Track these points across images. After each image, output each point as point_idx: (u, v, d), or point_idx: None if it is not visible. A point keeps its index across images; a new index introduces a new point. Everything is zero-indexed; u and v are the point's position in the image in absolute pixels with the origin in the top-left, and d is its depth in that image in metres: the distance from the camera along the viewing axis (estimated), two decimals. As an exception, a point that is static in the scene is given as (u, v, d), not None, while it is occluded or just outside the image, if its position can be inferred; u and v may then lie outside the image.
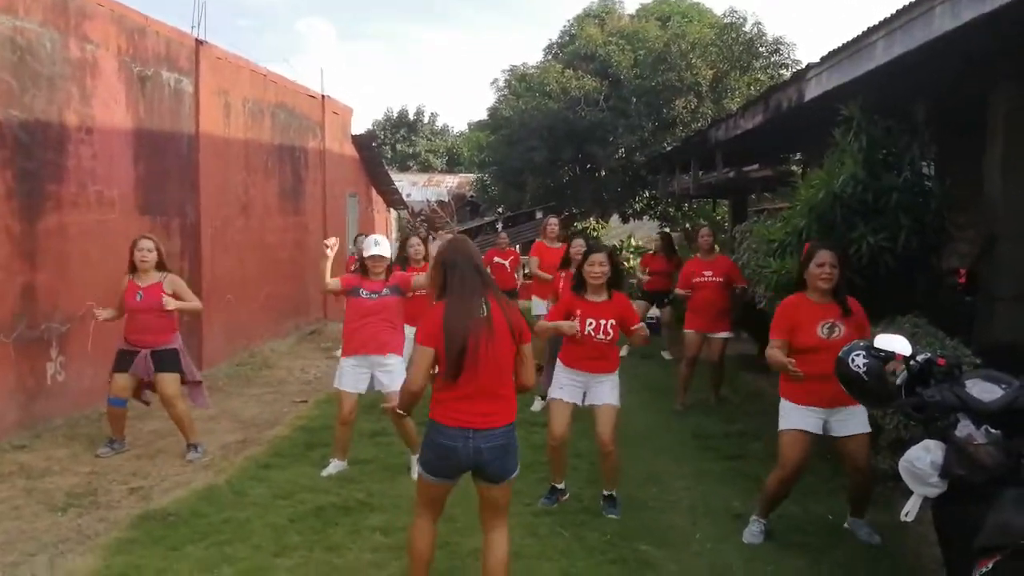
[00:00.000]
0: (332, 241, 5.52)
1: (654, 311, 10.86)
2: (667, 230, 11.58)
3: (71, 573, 3.91)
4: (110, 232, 7.48)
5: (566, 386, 4.83)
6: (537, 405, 7.23)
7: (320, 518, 4.61)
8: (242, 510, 4.73)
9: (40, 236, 6.62)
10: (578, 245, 6.48)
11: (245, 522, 4.54)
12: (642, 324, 4.93)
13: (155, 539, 4.29)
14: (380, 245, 5.40)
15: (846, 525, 4.51)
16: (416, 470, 3.42)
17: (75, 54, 7.04)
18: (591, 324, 4.68)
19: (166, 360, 5.87)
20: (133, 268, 5.91)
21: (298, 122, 12.43)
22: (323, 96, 13.54)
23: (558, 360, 4.94)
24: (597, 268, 4.68)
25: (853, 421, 4.17)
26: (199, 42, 9.17)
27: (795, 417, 4.22)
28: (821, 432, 4.23)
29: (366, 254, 5.39)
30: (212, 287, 9.23)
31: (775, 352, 4.22)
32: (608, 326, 4.68)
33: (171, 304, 5.79)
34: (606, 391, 4.76)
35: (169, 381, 5.86)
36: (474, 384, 3.24)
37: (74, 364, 7.01)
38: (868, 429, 4.22)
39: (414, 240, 7.60)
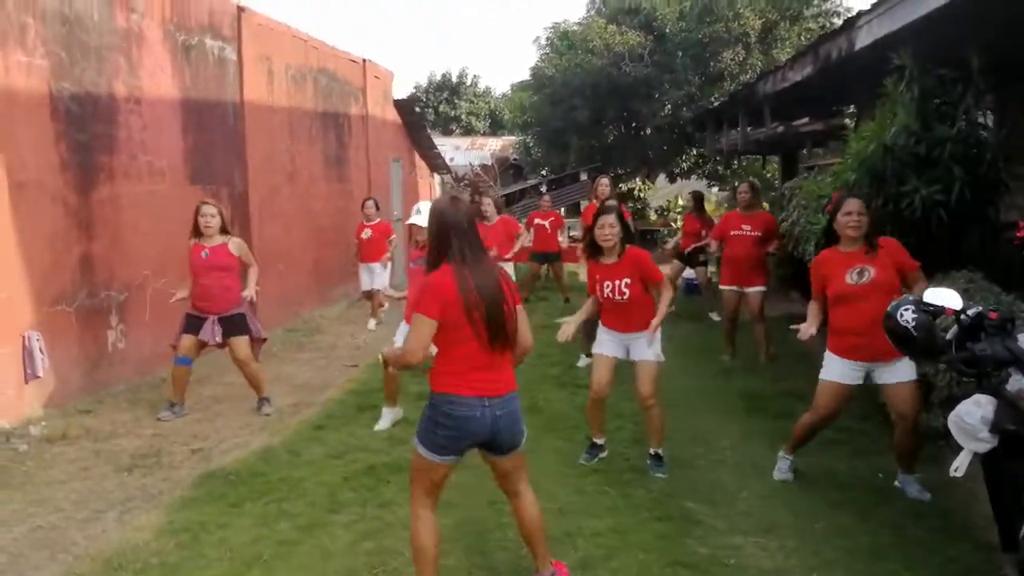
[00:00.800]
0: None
1: (689, 272, 10.77)
2: (699, 190, 11.37)
3: (138, 529, 4.09)
4: (161, 202, 7.67)
5: (606, 341, 4.90)
6: (583, 362, 7.29)
7: (372, 476, 4.74)
8: (297, 469, 4.89)
9: (95, 207, 6.81)
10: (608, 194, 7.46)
11: (300, 480, 4.69)
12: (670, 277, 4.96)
13: (216, 497, 4.47)
14: (420, 213, 5.41)
15: (896, 483, 4.49)
16: (417, 449, 3.20)
17: (121, 24, 7.16)
18: (608, 286, 4.73)
19: (235, 324, 6.12)
20: (198, 233, 6.11)
21: (340, 87, 12.48)
22: (364, 60, 13.55)
23: (600, 322, 4.97)
24: (607, 230, 4.69)
25: (899, 370, 4.20)
26: (240, 9, 9.23)
27: (836, 369, 4.34)
28: (861, 383, 4.33)
29: (411, 221, 5.42)
30: (261, 255, 9.35)
31: (815, 309, 4.46)
32: (622, 285, 4.69)
33: (250, 293, 6.21)
34: (644, 347, 4.78)
35: (241, 344, 6.14)
36: (491, 352, 3.13)
37: (133, 332, 7.25)
38: (915, 377, 4.23)
39: (487, 200, 8.84)
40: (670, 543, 3.85)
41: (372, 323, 10.13)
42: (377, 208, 10.09)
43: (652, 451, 4.90)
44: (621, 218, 4.78)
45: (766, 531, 3.98)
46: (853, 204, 4.30)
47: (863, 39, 6.16)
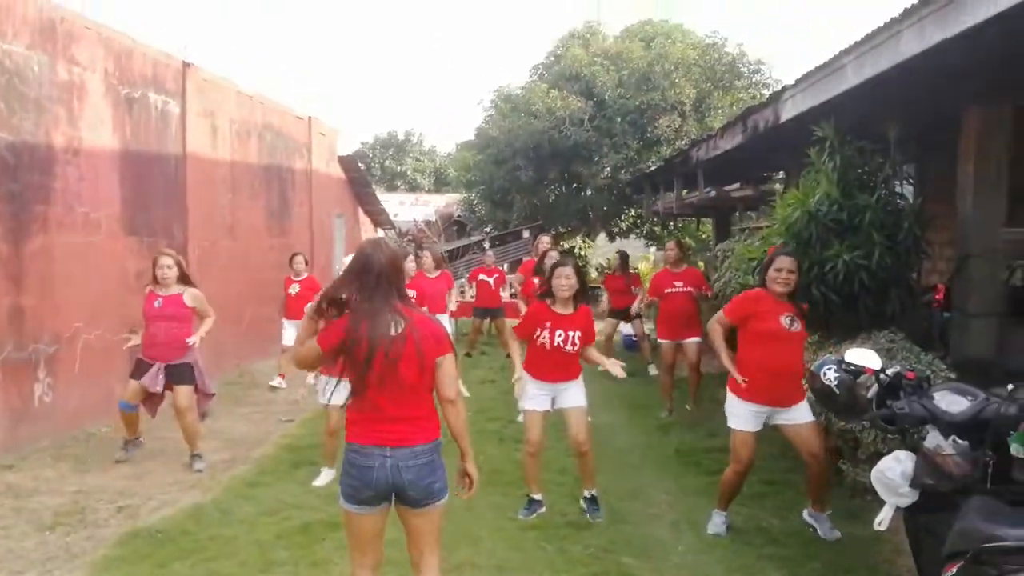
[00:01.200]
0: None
1: (626, 327, 10.98)
2: (624, 250, 11.73)
3: (58, 591, 3.94)
4: (96, 253, 7.55)
5: (536, 396, 5.01)
6: (522, 416, 7.33)
7: (306, 534, 4.66)
8: (229, 527, 4.78)
9: (27, 258, 6.67)
10: (549, 248, 7.51)
11: (232, 539, 4.59)
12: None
13: (142, 556, 4.33)
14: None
15: (805, 515, 4.72)
16: (339, 500, 3.12)
17: (63, 77, 7.13)
18: (560, 335, 4.87)
19: (181, 373, 6.09)
20: (156, 281, 6.10)
21: (285, 143, 12.53)
22: (310, 117, 13.65)
23: (525, 372, 5.05)
24: (564, 281, 4.88)
25: (800, 412, 4.52)
26: (186, 64, 9.27)
27: (744, 417, 4.57)
28: (761, 427, 4.59)
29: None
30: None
31: (717, 329, 4.72)
32: (575, 337, 4.90)
33: (195, 340, 6.12)
34: (573, 394, 4.99)
35: (183, 393, 6.10)
36: (383, 406, 3.01)
37: (62, 385, 7.04)
38: (814, 418, 4.56)
39: (426, 253, 9.25)
40: (605, 599, 3.87)
41: (311, 377, 9.82)
42: (307, 263, 9.51)
43: (588, 494, 5.05)
44: (578, 271, 4.98)
45: (700, 586, 4.03)
46: (785, 261, 4.54)
47: (788, 111, 6.51)
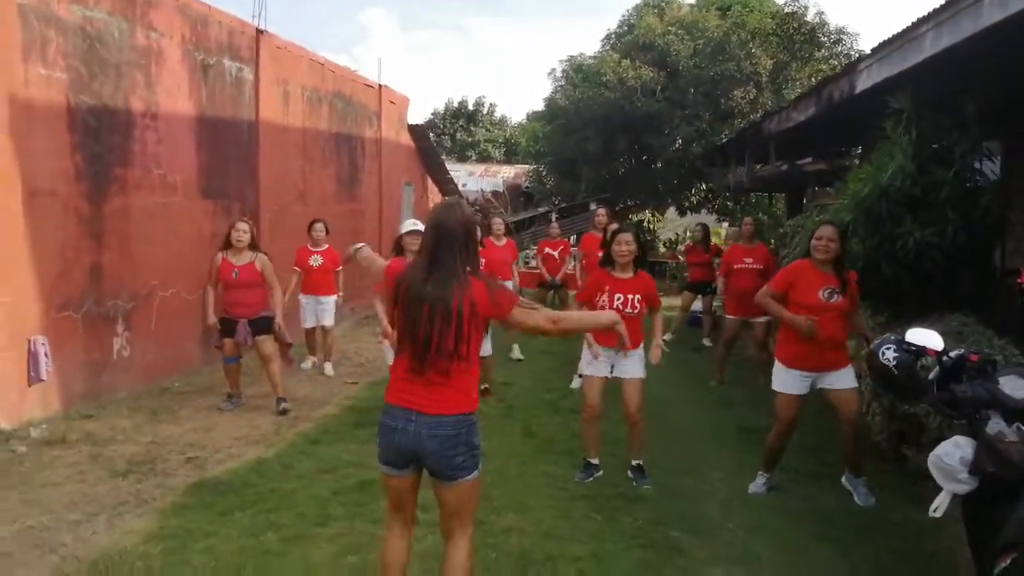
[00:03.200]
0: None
1: (698, 304, 10.86)
2: (703, 223, 11.63)
3: (127, 533, 4.15)
4: (172, 214, 7.82)
5: (595, 362, 5.06)
6: (576, 383, 7.37)
7: (363, 492, 4.78)
8: (288, 481, 4.95)
9: (106, 217, 6.95)
10: (608, 221, 7.73)
11: (291, 493, 4.75)
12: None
13: (206, 505, 4.53)
14: (417, 223, 5.58)
15: (843, 480, 4.89)
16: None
17: (141, 42, 7.35)
18: (619, 299, 4.97)
19: (262, 325, 6.70)
20: (227, 245, 6.62)
21: (355, 111, 12.68)
22: (380, 86, 13.76)
23: (588, 339, 5.11)
24: (624, 247, 4.98)
25: (842, 378, 4.69)
26: (260, 31, 9.45)
27: (787, 381, 4.77)
28: (808, 392, 4.76)
29: (403, 231, 5.62)
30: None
31: (769, 300, 4.83)
32: (635, 300, 4.98)
33: (278, 320, 6.75)
34: (632, 365, 5.05)
35: (267, 342, 6.74)
36: (417, 368, 2.93)
37: (138, 340, 7.36)
38: (856, 385, 4.75)
39: (497, 221, 9.34)
40: (650, 571, 3.87)
41: (308, 362, 8.74)
42: (327, 232, 8.59)
43: (635, 463, 5.14)
44: (637, 238, 5.07)
45: (747, 563, 4.00)
46: (826, 230, 4.71)
47: (863, 83, 6.27)
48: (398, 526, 3.14)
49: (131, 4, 7.19)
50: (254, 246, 6.73)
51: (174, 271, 7.78)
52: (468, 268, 2.98)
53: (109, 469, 5.20)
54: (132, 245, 7.28)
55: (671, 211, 23.14)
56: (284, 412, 6.68)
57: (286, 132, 10.24)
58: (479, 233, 3.80)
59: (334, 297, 8.61)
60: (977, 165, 5.46)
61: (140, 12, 7.31)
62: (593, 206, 21.03)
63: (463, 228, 3.00)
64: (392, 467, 3.03)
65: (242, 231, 6.64)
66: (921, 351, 3.37)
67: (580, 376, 7.02)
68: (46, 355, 6.14)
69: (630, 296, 4.97)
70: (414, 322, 2.92)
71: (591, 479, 5.11)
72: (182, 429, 6.21)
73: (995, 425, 3.05)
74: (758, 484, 4.97)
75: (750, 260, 7.74)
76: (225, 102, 8.81)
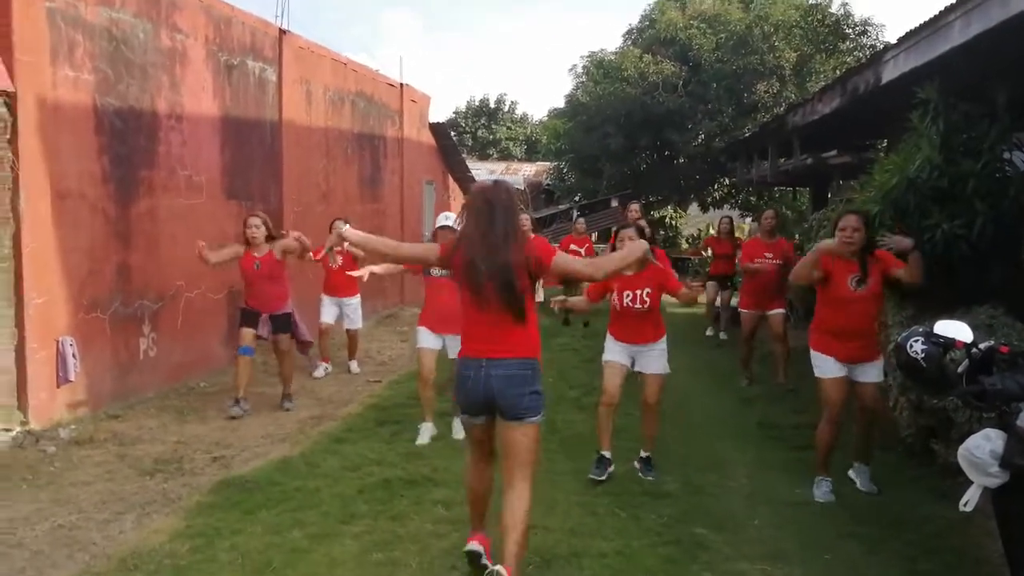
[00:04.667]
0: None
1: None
2: (730, 215, 11.58)
3: (155, 531, 4.20)
4: (198, 215, 7.89)
5: (616, 350, 5.08)
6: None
7: (386, 490, 4.80)
8: (313, 480, 4.98)
9: (133, 218, 7.03)
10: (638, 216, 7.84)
11: (315, 491, 4.77)
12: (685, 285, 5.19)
13: (232, 503, 4.56)
14: (448, 217, 5.59)
15: (850, 472, 4.92)
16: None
17: (166, 44, 7.43)
18: (628, 296, 4.97)
19: (282, 322, 6.78)
20: (246, 242, 6.62)
21: (377, 110, 12.73)
22: (402, 84, 13.81)
23: (608, 334, 5.16)
24: (627, 243, 4.82)
25: (870, 372, 4.73)
26: (283, 32, 9.52)
27: (828, 365, 4.74)
28: (847, 375, 4.74)
29: (438, 225, 5.66)
30: (293, 271, 9.56)
31: (802, 274, 4.80)
32: (644, 295, 4.96)
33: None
34: (653, 360, 5.05)
35: (284, 340, 6.82)
36: (490, 315, 3.33)
37: (165, 340, 7.44)
38: (880, 380, 4.81)
39: (524, 217, 8.75)
40: (675, 567, 3.85)
41: (320, 370, 8.37)
42: None
43: (644, 454, 5.15)
44: (641, 233, 5.04)
45: (773, 559, 3.96)
46: (849, 220, 4.66)
47: (890, 73, 6.18)
48: (477, 459, 3.60)
49: (156, 5, 7.26)
50: (271, 237, 6.70)
51: (199, 272, 7.82)
52: (516, 232, 3.36)
53: (137, 468, 5.26)
54: (158, 246, 7.36)
55: (693, 207, 23.00)
56: (287, 409, 6.80)
57: (309, 132, 10.30)
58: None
59: (358, 297, 8.57)
60: (1007, 155, 5.35)
61: (165, 13, 7.38)
62: (614, 203, 21.00)
63: (508, 197, 3.42)
64: (469, 416, 3.48)
65: (254, 226, 6.62)
66: (950, 343, 3.31)
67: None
68: (74, 356, 6.22)
69: (638, 292, 4.95)
70: (476, 281, 3.31)
71: (606, 476, 5.00)
72: (208, 428, 6.27)
73: (1026, 418, 3.00)
74: (823, 490, 4.75)
75: (769, 255, 7.65)
76: (249, 102, 8.88)
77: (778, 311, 7.59)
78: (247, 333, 6.67)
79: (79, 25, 6.34)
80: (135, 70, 7.02)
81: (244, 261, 6.66)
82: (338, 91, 11.19)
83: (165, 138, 7.45)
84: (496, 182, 3.54)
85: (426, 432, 5.87)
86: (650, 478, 5.04)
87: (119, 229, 6.87)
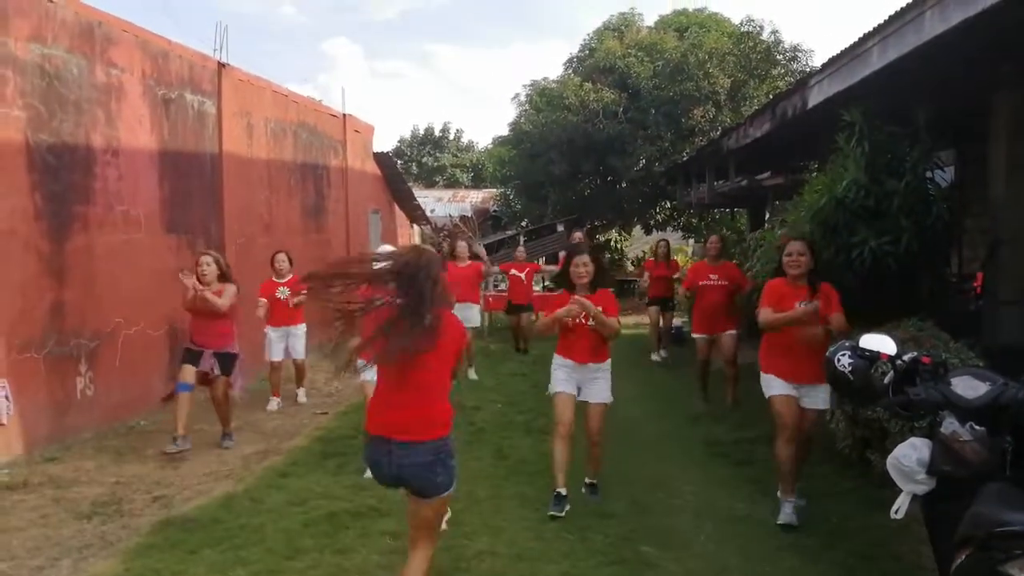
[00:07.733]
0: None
1: (678, 320, 10.97)
2: (666, 239, 11.78)
3: None
4: (136, 250, 7.75)
5: (563, 380, 5.10)
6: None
7: (332, 523, 4.74)
8: (258, 516, 4.89)
9: (68, 255, 6.87)
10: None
11: (260, 527, 4.69)
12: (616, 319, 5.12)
13: (173, 543, 4.46)
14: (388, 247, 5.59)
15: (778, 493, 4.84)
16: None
17: (101, 79, 7.33)
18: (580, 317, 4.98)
19: (226, 363, 6.57)
20: (198, 280, 6.47)
21: (320, 141, 12.70)
22: (344, 115, 13.81)
23: (555, 355, 5.18)
24: (581, 268, 5.00)
25: (818, 397, 4.74)
26: (221, 65, 9.46)
27: (778, 385, 4.77)
28: (797, 395, 4.76)
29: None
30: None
31: (772, 315, 4.76)
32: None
33: (188, 282, 6.37)
34: (598, 389, 5.08)
35: (219, 386, 6.60)
36: (399, 392, 3.21)
37: (103, 379, 7.26)
38: (825, 407, 4.84)
39: (461, 244, 9.60)
40: (622, 586, 3.89)
41: (274, 403, 8.36)
42: (291, 263, 8.49)
43: (589, 481, 5.21)
44: (594, 258, 5.08)
45: (717, 574, 4.03)
46: (794, 245, 4.83)
47: (815, 97, 6.43)
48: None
49: (90, 40, 7.17)
50: (224, 277, 6.59)
51: (138, 308, 7.70)
52: (436, 305, 3.19)
53: (73, 512, 5.10)
54: (95, 283, 7.20)
55: (637, 229, 23.35)
56: (227, 447, 6.68)
57: (250, 164, 10.22)
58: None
59: (303, 326, 8.52)
60: (929, 174, 5.60)
61: (100, 48, 7.29)
62: (560, 228, 21.21)
63: (428, 268, 3.22)
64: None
65: (205, 264, 6.54)
66: (875, 356, 3.45)
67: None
68: (7, 398, 6.04)
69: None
70: (394, 358, 3.15)
71: (564, 513, 4.87)
72: (148, 468, 6.11)
73: (950, 425, 3.11)
74: (787, 512, 4.68)
75: (715, 277, 7.78)
76: (188, 136, 8.79)
77: (729, 333, 7.68)
78: (188, 370, 6.47)
79: (9, 62, 6.22)
80: (69, 106, 6.90)
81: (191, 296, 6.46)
82: (279, 123, 11.15)
83: (101, 173, 7.32)
84: (416, 248, 3.41)
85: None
86: (596, 502, 5.07)
87: (53, 266, 6.71)
